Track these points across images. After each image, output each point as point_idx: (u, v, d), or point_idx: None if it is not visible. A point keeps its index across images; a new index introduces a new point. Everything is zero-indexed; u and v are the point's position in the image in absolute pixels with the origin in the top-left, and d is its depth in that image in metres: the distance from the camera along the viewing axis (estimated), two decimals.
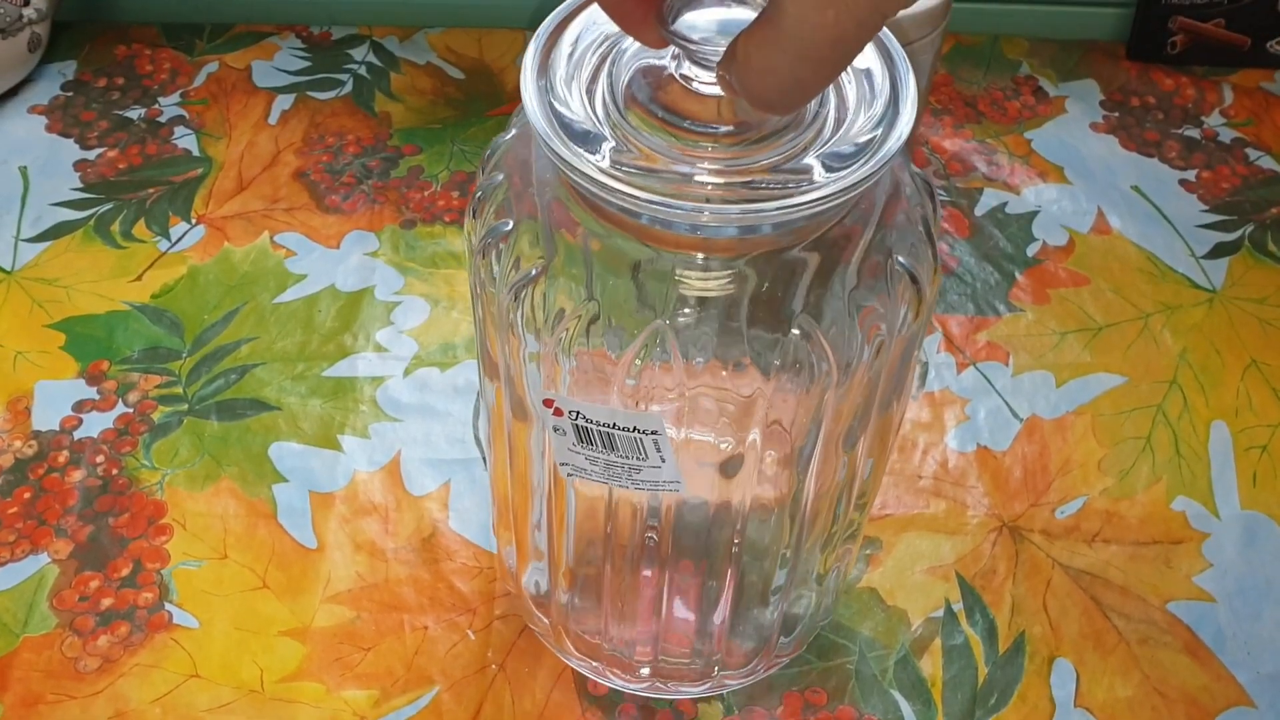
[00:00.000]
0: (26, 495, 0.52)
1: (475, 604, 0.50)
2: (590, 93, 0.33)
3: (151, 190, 0.65)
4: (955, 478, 0.54)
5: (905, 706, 0.47)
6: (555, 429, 0.36)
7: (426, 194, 0.65)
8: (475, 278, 0.36)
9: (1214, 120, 0.71)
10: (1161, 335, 0.60)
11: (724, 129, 0.32)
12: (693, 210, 0.30)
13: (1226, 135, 0.70)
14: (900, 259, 0.35)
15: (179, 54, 0.73)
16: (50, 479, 0.53)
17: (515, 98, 0.72)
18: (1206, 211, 0.66)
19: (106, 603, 0.49)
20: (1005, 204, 0.66)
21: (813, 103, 0.32)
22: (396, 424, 0.55)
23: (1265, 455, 0.55)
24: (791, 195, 0.30)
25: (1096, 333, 0.60)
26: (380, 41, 0.74)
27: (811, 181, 0.31)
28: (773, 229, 0.32)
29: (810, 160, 0.31)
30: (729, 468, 0.38)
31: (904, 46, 0.65)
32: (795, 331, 0.33)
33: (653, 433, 0.35)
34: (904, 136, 0.31)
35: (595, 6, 0.33)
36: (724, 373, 0.34)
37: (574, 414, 0.35)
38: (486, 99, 0.71)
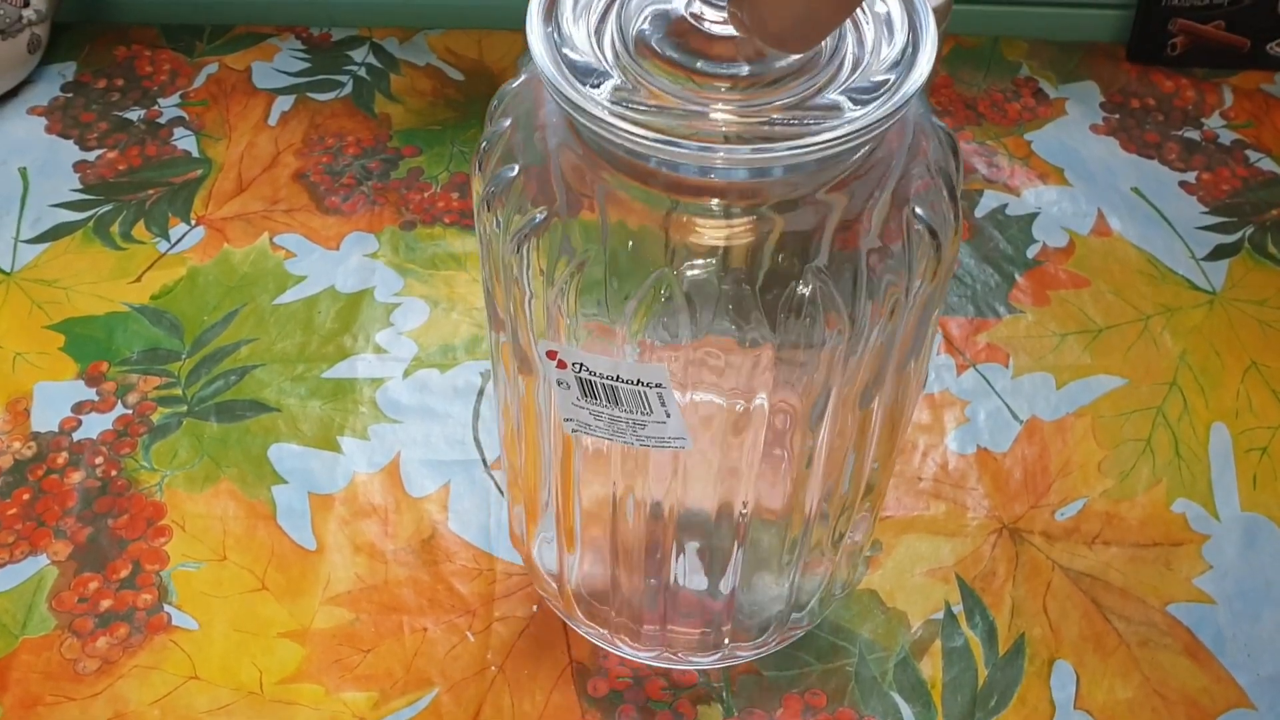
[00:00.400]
0: (26, 497, 0.52)
1: (475, 606, 0.50)
2: (599, 35, 0.32)
3: (151, 191, 0.65)
4: (955, 479, 0.54)
5: (905, 709, 0.47)
6: (559, 383, 0.35)
7: (426, 195, 0.65)
8: (481, 229, 0.35)
9: (1214, 122, 0.71)
10: (1161, 337, 0.60)
11: (739, 70, 0.30)
12: (704, 150, 0.29)
13: (1226, 137, 0.70)
14: (919, 211, 0.33)
15: (179, 55, 0.73)
16: (49, 480, 0.53)
17: None
18: (1206, 213, 0.66)
19: (106, 604, 0.49)
20: (1005, 206, 0.66)
21: (829, 44, 0.31)
22: (396, 425, 0.55)
23: (1265, 457, 0.55)
24: (808, 134, 0.29)
25: (1096, 334, 0.60)
26: (380, 43, 0.74)
27: (831, 118, 0.29)
28: (788, 172, 0.30)
29: (830, 98, 0.30)
30: (738, 426, 0.37)
31: None
32: (806, 287, 0.32)
33: (657, 386, 0.34)
34: (925, 75, 0.30)
35: None
36: (733, 327, 0.33)
37: (577, 366, 0.34)
38: (486, 100, 0.70)
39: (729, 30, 0.31)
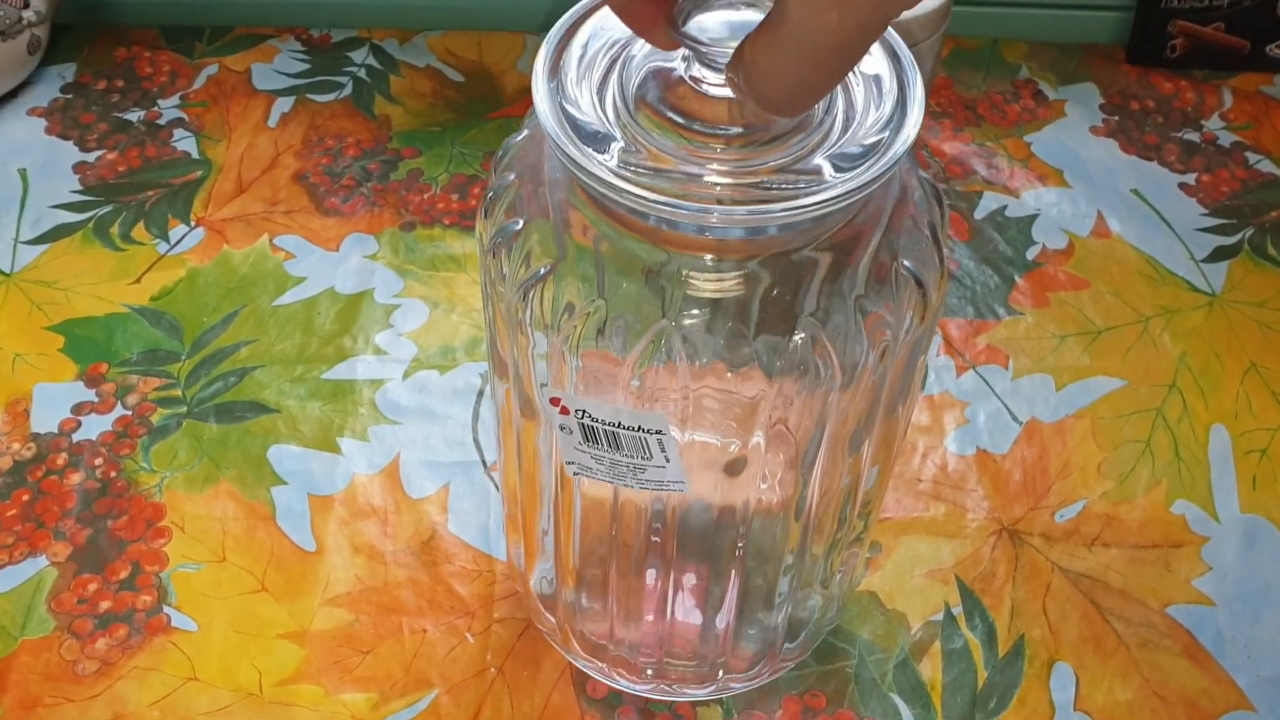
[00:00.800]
0: (25, 498, 0.52)
1: (474, 607, 0.50)
2: (601, 94, 0.33)
3: (151, 192, 0.65)
4: (955, 481, 0.54)
5: (905, 710, 0.47)
6: (562, 428, 0.36)
7: (426, 197, 0.65)
8: (485, 276, 0.36)
9: (1214, 124, 0.71)
10: (1161, 338, 0.60)
11: (733, 130, 0.32)
12: (700, 211, 0.30)
13: (1226, 139, 0.70)
14: (906, 263, 0.35)
15: (178, 56, 0.73)
16: (49, 481, 0.53)
17: (514, 100, 0.72)
18: (1206, 215, 0.66)
19: (105, 605, 0.49)
20: (1005, 207, 0.66)
21: (821, 105, 0.33)
22: (396, 427, 0.55)
23: (1265, 459, 0.55)
24: (799, 196, 0.30)
25: (1096, 336, 0.60)
26: (380, 44, 0.74)
27: (820, 182, 0.31)
28: (780, 230, 0.32)
29: (819, 161, 0.31)
30: (734, 469, 0.38)
31: None
32: (800, 335, 0.33)
33: (657, 432, 0.35)
34: (911, 138, 0.32)
35: (606, 10, 0.33)
36: (729, 374, 0.34)
37: (580, 413, 0.35)
38: (486, 102, 0.71)
39: (726, 93, 0.32)
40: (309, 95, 0.70)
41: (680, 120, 0.32)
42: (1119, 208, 0.66)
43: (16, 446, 0.54)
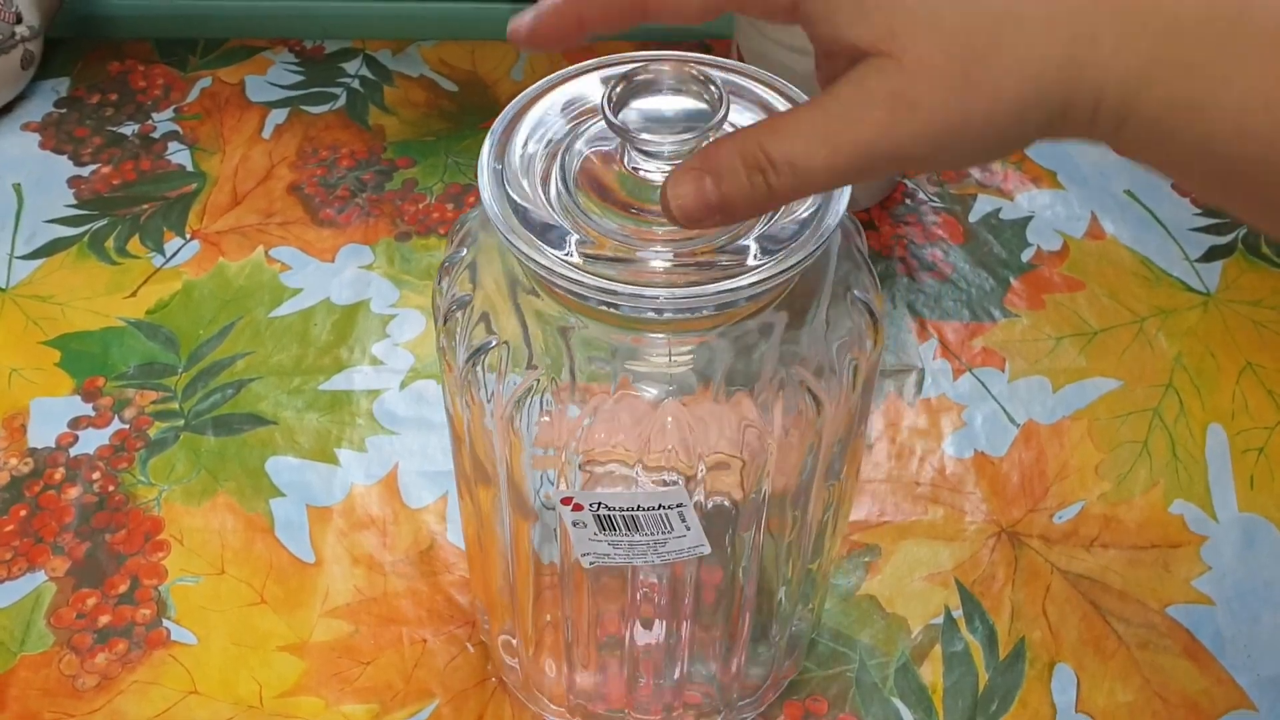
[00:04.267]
0: (23, 513, 0.52)
1: (474, 616, 0.49)
2: (545, 182, 0.34)
3: (145, 206, 0.65)
4: (953, 484, 0.54)
5: (906, 714, 0.47)
6: (574, 524, 0.36)
7: (421, 206, 0.65)
8: (459, 386, 0.37)
9: None
10: (1157, 339, 0.60)
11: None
12: (649, 297, 0.31)
13: None
14: (856, 293, 0.36)
15: (172, 69, 0.73)
16: (46, 496, 0.53)
17: None
18: (1200, 215, 0.66)
19: (104, 620, 0.49)
20: (999, 210, 0.66)
21: None
22: (393, 437, 0.55)
23: (1262, 457, 0.55)
24: (735, 276, 0.31)
25: (1092, 337, 0.60)
26: (373, 55, 0.74)
27: (747, 265, 0.32)
28: (721, 307, 0.32)
29: (747, 242, 0.33)
30: (742, 520, 0.38)
31: None
32: (768, 388, 0.34)
33: (678, 506, 0.35)
34: (840, 215, 0.33)
35: (543, 102, 0.35)
36: (725, 436, 0.35)
37: (595, 505, 0.35)
38: (480, 111, 0.71)
39: (661, 177, 0.33)
40: (303, 107, 0.71)
41: (624, 204, 0.33)
42: (1113, 209, 0.66)
43: (14, 461, 0.54)
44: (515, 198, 0.33)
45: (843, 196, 0.33)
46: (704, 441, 0.34)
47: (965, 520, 0.53)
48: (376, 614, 0.50)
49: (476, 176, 0.33)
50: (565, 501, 0.36)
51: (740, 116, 0.35)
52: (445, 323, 0.36)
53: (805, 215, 0.33)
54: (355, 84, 0.72)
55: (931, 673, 0.48)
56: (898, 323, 0.60)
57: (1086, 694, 0.48)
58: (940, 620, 0.50)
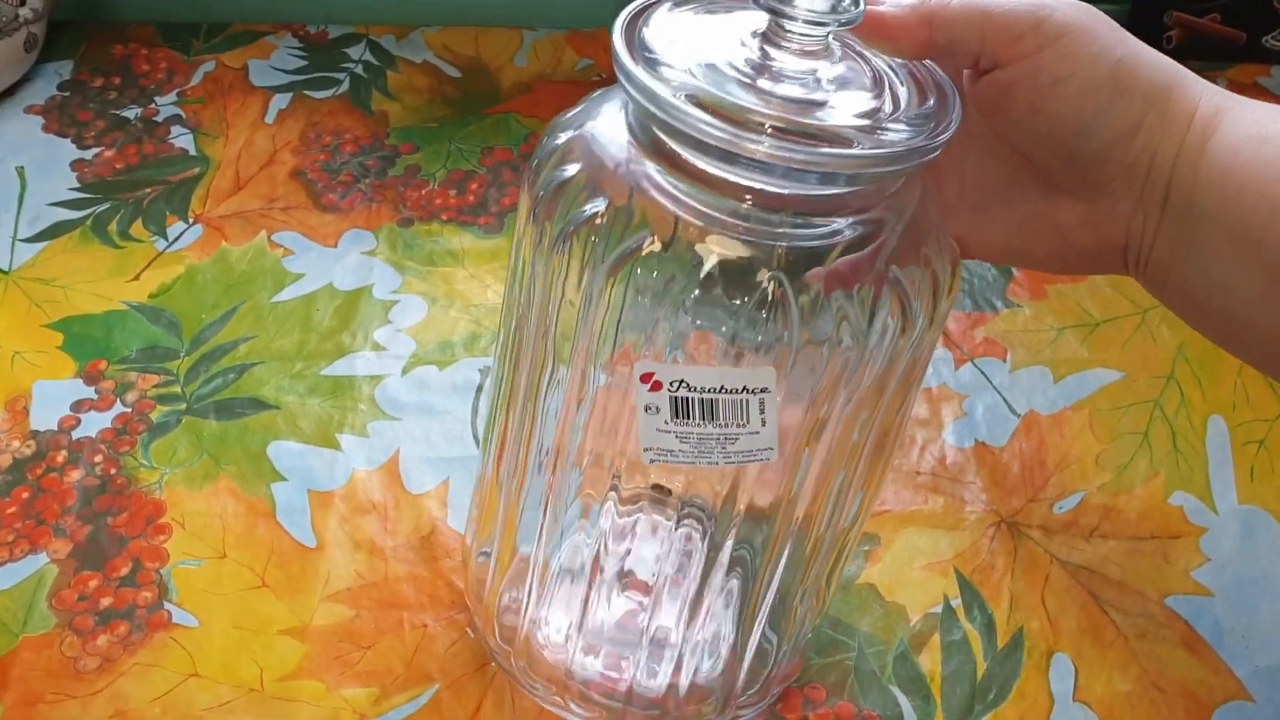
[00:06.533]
0: (25, 495, 0.52)
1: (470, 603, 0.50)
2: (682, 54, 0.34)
3: (149, 190, 0.65)
4: (953, 473, 0.54)
5: (904, 702, 0.48)
6: (647, 408, 0.35)
7: (424, 192, 0.65)
8: (549, 268, 0.36)
9: None
10: (1159, 330, 0.60)
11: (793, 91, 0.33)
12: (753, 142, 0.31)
13: None
14: (940, 235, 0.36)
15: (175, 53, 0.73)
16: (49, 479, 0.53)
17: (511, 96, 0.72)
18: None
19: (106, 602, 0.49)
20: None
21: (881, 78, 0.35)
22: (395, 422, 0.55)
23: (1262, 450, 0.56)
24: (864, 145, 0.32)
25: (1094, 328, 0.60)
26: (377, 40, 0.74)
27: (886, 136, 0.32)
28: (823, 180, 0.33)
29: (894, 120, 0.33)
30: (809, 431, 0.37)
31: None
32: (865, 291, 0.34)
33: (762, 390, 0.34)
34: (957, 120, 0.34)
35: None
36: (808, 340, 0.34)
37: (675, 384, 0.34)
38: (483, 97, 0.71)
39: (811, 40, 0.34)
40: (306, 92, 0.70)
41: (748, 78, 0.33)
42: None
43: (16, 444, 0.54)
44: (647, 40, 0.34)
45: (959, 109, 0.34)
46: (796, 334, 0.34)
47: (965, 510, 0.53)
48: (377, 599, 0.50)
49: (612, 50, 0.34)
50: (645, 378, 0.34)
51: None
52: (542, 194, 0.36)
53: (925, 110, 0.34)
54: (359, 69, 0.72)
55: (930, 661, 0.49)
56: None
57: (1084, 683, 0.48)
58: (939, 609, 0.50)
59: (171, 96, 0.70)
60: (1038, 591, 0.51)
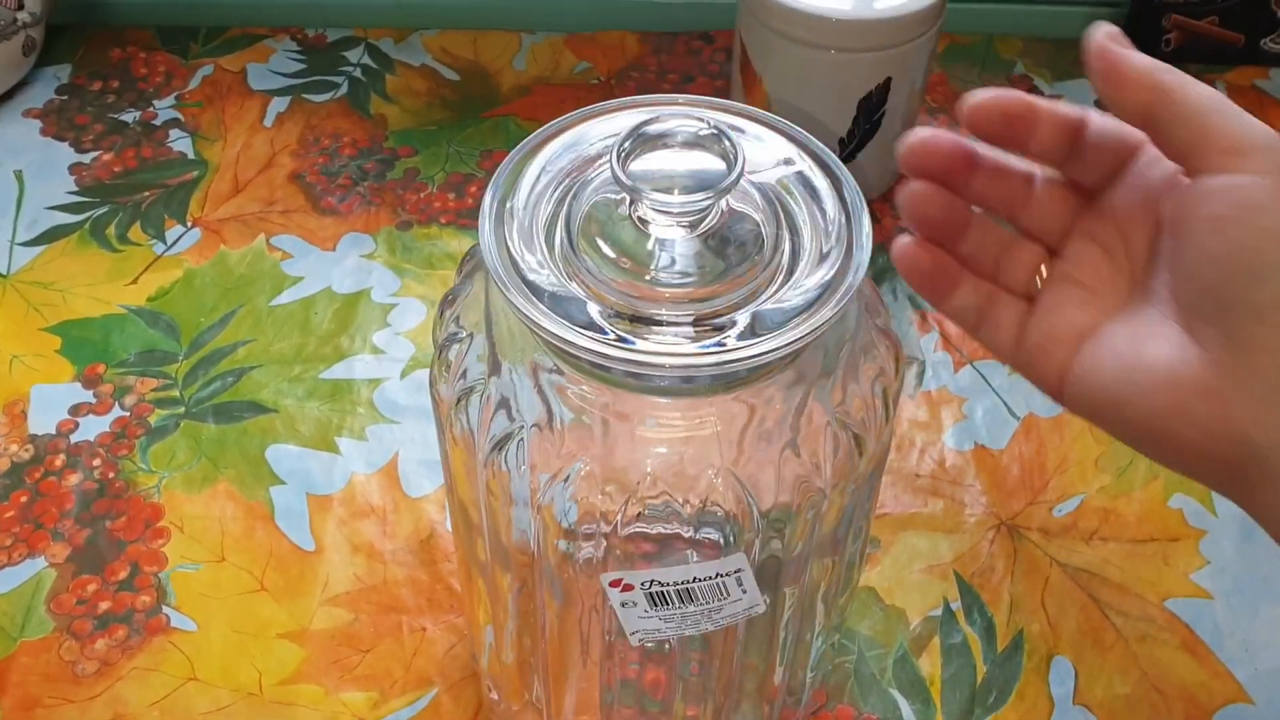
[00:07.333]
0: (23, 499, 0.52)
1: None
2: (549, 236, 0.33)
3: (147, 193, 0.65)
4: (953, 476, 0.54)
5: (904, 705, 0.47)
6: (623, 604, 0.35)
7: (422, 195, 0.65)
8: (488, 477, 0.35)
9: None
10: None
11: (685, 278, 0.32)
12: (670, 366, 0.30)
13: None
14: (877, 322, 0.35)
15: (174, 57, 0.73)
16: (47, 483, 0.53)
17: (510, 99, 0.72)
18: None
19: (104, 606, 0.49)
20: None
21: (767, 247, 0.33)
22: (394, 426, 0.55)
23: None
24: (758, 341, 0.30)
25: None
26: (375, 43, 0.74)
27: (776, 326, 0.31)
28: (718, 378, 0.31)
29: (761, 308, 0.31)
30: (790, 571, 0.37)
31: (899, 46, 0.64)
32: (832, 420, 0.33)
33: (736, 571, 0.34)
34: (861, 272, 0.32)
35: (549, 148, 0.34)
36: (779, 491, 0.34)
37: (646, 584, 0.34)
38: (482, 100, 0.71)
39: (668, 234, 0.32)
40: (305, 95, 0.70)
41: (628, 265, 0.32)
42: None
43: (14, 448, 0.54)
44: (517, 256, 0.31)
45: (864, 258, 0.32)
46: (760, 499, 0.33)
47: (965, 513, 0.53)
48: (376, 602, 0.50)
49: (479, 233, 0.32)
50: (614, 584, 0.34)
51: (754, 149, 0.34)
52: (441, 355, 0.35)
53: (826, 278, 0.32)
54: (357, 72, 0.72)
55: (930, 664, 0.49)
56: (899, 315, 0.60)
57: (1084, 686, 0.48)
58: (939, 612, 0.50)
59: (170, 100, 0.70)
60: (1037, 594, 0.51)
